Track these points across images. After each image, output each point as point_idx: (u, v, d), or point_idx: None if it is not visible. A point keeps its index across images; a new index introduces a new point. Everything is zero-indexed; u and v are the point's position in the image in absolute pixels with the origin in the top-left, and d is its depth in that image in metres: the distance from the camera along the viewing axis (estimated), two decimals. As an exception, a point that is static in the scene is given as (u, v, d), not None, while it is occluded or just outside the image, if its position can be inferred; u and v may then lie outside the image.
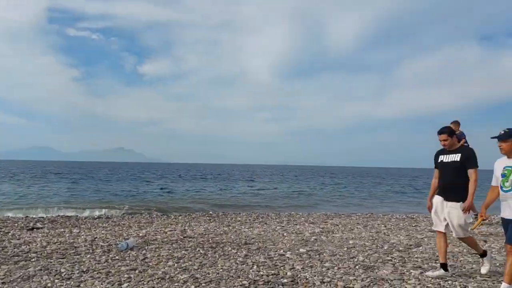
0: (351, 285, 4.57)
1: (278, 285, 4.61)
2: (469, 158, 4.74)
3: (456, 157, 4.81)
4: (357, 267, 5.38)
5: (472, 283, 4.66)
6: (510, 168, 4.09)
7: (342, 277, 4.90)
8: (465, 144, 8.15)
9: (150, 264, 5.44)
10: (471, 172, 4.69)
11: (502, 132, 4.16)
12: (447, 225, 4.86)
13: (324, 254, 6.10)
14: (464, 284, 4.62)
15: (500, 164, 4.22)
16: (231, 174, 59.32)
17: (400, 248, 6.54)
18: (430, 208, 5.07)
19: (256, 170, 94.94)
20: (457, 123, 8.50)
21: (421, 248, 6.61)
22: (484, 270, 4.99)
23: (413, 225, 9.40)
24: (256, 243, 6.86)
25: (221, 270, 5.17)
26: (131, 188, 26.84)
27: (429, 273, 4.97)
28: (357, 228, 8.72)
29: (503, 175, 4.14)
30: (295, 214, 11.56)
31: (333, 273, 5.07)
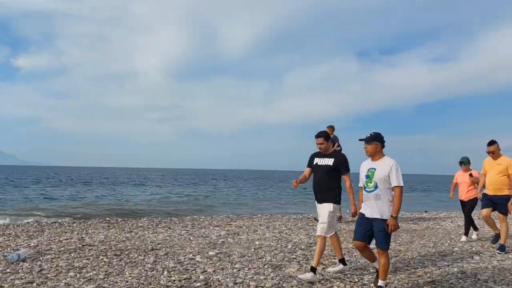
0: (262, 284, 4.75)
1: (191, 289, 4.60)
2: (342, 164, 5.02)
3: (330, 161, 5.03)
4: (266, 266, 5.60)
5: (367, 275, 5.17)
6: (374, 170, 4.36)
7: (253, 277, 5.06)
8: (338, 148, 8.78)
9: (49, 276, 4.99)
10: (345, 178, 5.02)
11: (368, 135, 4.48)
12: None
13: (233, 256, 6.22)
14: (361, 276, 5.11)
15: (365, 166, 4.51)
16: (119, 178, 56.52)
17: (302, 247, 6.96)
18: (295, 184, 5.09)
19: (147, 173, 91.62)
20: (331, 127, 9.03)
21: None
22: (332, 269, 5.28)
23: (310, 224, 10.04)
24: (164, 248, 6.71)
25: (130, 278, 4.97)
26: (2, 195, 23.95)
27: (331, 269, 5.37)
28: (260, 229, 9.04)
29: (367, 176, 4.41)
30: (199, 218, 11.52)
31: (244, 273, 5.21)
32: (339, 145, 8.99)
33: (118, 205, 18.50)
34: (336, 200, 5.01)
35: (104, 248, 6.67)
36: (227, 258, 6.08)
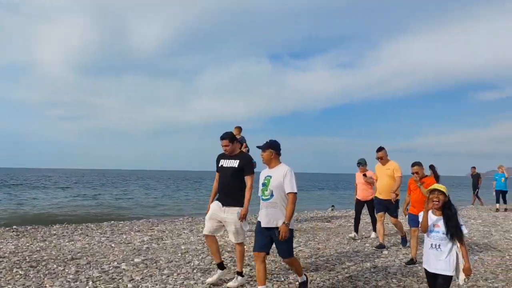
0: (193, 289, 4.82)
1: (121, 298, 4.51)
2: (247, 165, 4.94)
3: (235, 163, 4.94)
4: (194, 271, 5.66)
5: (292, 274, 5.49)
6: (270, 178, 4.34)
7: (183, 282, 5.10)
8: (246, 149, 8.85)
9: (-44, 294, 4.55)
10: (247, 178, 4.90)
11: (265, 142, 4.45)
12: (217, 229, 5.06)
13: (160, 261, 6.17)
14: (286, 275, 5.41)
15: (263, 174, 4.49)
16: (17, 180, 51.64)
17: (228, 249, 7.10)
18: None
19: (50, 174, 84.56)
20: (239, 128, 8.93)
21: (245, 246, 7.27)
22: (232, 284, 4.97)
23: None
24: (85, 257, 6.40)
25: (52, 290, 4.72)
26: None
27: (230, 284, 4.98)
28: (184, 233, 8.98)
29: (263, 184, 4.35)
30: (117, 223, 11.06)
31: (173, 280, 5.22)
32: (246, 146, 9.00)
33: (21, 210, 16.98)
34: (243, 203, 4.92)
35: (17, 260, 6.18)
36: (154, 264, 6.02)
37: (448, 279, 3.63)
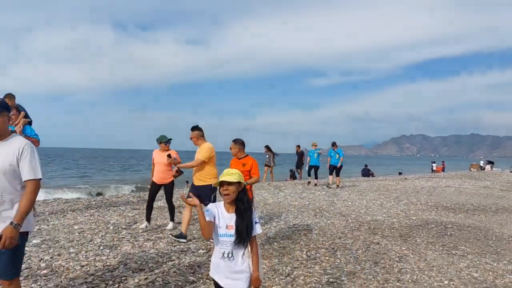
0: (109, 263, 5.34)
1: (40, 277, 4.81)
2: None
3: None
4: (101, 248, 6.08)
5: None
6: None
7: (95, 258, 5.55)
8: (29, 120, 7.52)
9: None
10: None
11: None
12: None
13: (62, 241, 6.36)
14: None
15: None
16: None
17: (123, 226, 7.54)
18: None
19: None
20: (12, 96, 7.46)
21: (138, 223, 7.80)
22: None
23: (113, 206, 10.37)
24: (-25, 243, 6.17)
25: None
26: None
27: None
28: (69, 213, 8.91)
29: None
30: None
31: (84, 257, 5.60)
32: (26, 115, 7.51)
33: None
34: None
35: None
36: (56, 244, 6.21)
37: None
